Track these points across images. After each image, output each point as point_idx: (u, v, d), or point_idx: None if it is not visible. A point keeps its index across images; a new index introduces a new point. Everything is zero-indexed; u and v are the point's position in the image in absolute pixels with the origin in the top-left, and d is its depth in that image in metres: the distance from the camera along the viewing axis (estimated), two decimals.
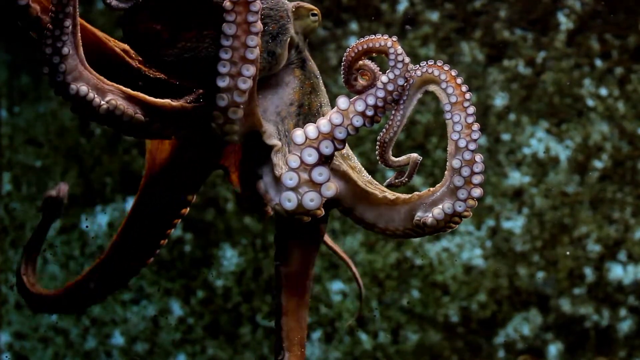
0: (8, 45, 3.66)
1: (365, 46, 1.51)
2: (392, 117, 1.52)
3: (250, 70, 1.46)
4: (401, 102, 1.51)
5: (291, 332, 1.64)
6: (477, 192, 1.51)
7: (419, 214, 1.54)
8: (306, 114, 1.60)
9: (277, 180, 1.51)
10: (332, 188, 1.48)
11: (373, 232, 1.60)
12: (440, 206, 1.51)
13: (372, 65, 1.52)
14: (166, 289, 3.56)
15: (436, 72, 1.50)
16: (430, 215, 1.52)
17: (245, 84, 1.46)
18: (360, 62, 1.52)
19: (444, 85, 1.51)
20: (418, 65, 1.52)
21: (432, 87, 1.52)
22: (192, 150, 1.66)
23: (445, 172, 1.54)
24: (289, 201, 1.49)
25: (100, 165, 3.61)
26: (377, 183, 1.64)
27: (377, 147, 1.54)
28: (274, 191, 1.52)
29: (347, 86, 1.53)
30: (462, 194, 1.51)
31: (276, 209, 1.51)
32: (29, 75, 3.65)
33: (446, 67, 1.51)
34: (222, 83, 1.46)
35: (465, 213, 1.50)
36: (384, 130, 1.54)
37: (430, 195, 1.55)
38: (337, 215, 3.46)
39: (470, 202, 1.50)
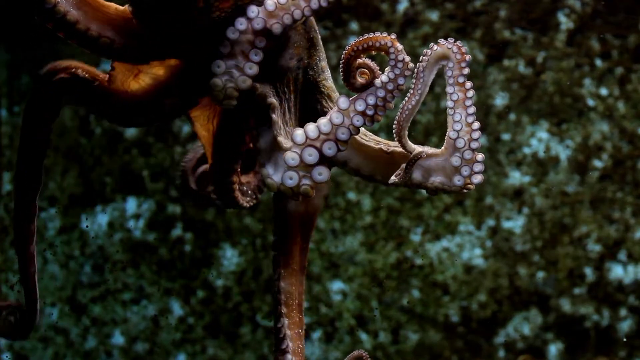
0: (8, 45, 3.66)
1: (365, 45, 1.51)
2: (409, 94, 1.52)
3: (262, 42, 1.46)
4: (420, 78, 1.51)
5: (289, 298, 1.64)
6: (471, 187, 1.54)
7: (415, 175, 1.56)
8: (305, 67, 1.60)
9: (276, 144, 1.51)
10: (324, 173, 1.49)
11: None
12: (435, 179, 1.54)
13: (371, 63, 1.52)
14: (166, 288, 3.56)
15: (449, 51, 1.50)
16: (426, 183, 1.56)
17: (257, 56, 1.46)
18: (360, 61, 1.52)
19: (449, 74, 1.51)
20: (432, 44, 1.52)
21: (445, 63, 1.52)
22: (174, 93, 1.63)
23: (443, 147, 1.56)
24: (290, 179, 1.49)
25: (100, 165, 3.61)
26: (371, 134, 1.64)
27: (395, 124, 1.54)
28: (272, 166, 1.52)
29: (346, 84, 1.53)
30: (461, 187, 1.54)
31: (268, 183, 1.51)
32: (29, 75, 3.65)
33: (460, 45, 1.51)
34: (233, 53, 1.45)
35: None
36: (401, 105, 1.53)
37: (427, 159, 1.56)
38: (337, 215, 3.46)
39: (467, 188, 1.55)
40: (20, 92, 3.66)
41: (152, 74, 1.61)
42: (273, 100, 1.53)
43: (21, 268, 1.79)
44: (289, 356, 1.63)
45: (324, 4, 1.48)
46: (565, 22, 3.41)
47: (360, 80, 1.52)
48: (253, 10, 1.45)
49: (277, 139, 1.51)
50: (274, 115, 1.52)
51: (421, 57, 1.51)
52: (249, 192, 1.87)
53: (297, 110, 1.59)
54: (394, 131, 1.54)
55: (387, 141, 1.62)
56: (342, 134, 1.48)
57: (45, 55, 3.63)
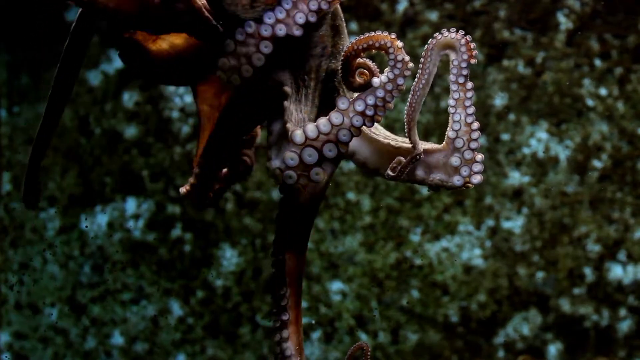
0: (8, 45, 3.67)
1: (365, 44, 1.51)
2: (417, 76, 1.51)
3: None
4: (428, 57, 1.50)
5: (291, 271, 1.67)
6: (470, 185, 1.54)
7: (418, 172, 1.58)
8: (329, 55, 1.59)
9: (284, 131, 1.52)
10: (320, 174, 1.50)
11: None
12: (436, 176, 1.54)
13: (371, 64, 1.52)
14: (166, 288, 3.56)
15: (457, 42, 1.50)
16: (427, 179, 1.58)
17: (267, 44, 1.47)
18: (360, 61, 1.52)
19: (454, 71, 1.51)
20: (438, 33, 1.52)
21: (449, 52, 1.52)
22: (187, 63, 1.63)
23: (444, 143, 1.56)
24: (290, 178, 1.51)
25: (100, 165, 3.61)
26: (381, 127, 1.65)
27: (407, 106, 1.53)
28: (275, 151, 1.52)
29: (344, 83, 1.53)
30: (460, 186, 1.55)
31: (267, 165, 1.52)
32: (29, 75, 3.65)
33: (465, 35, 1.51)
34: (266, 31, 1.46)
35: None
36: (412, 88, 1.53)
37: (428, 155, 1.56)
38: (337, 215, 3.46)
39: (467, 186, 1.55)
40: (20, 92, 3.66)
41: (170, 42, 1.63)
42: (287, 88, 1.53)
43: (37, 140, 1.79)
44: (286, 332, 1.66)
45: (324, 6, 1.49)
46: (564, 22, 3.41)
47: (359, 80, 1.52)
48: (270, 17, 1.47)
49: (286, 125, 1.51)
50: (286, 102, 1.53)
51: (430, 40, 1.52)
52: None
53: (316, 98, 1.59)
54: (405, 112, 1.53)
55: (395, 136, 1.63)
56: (344, 136, 1.48)
57: (45, 55, 3.63)
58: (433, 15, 3.44)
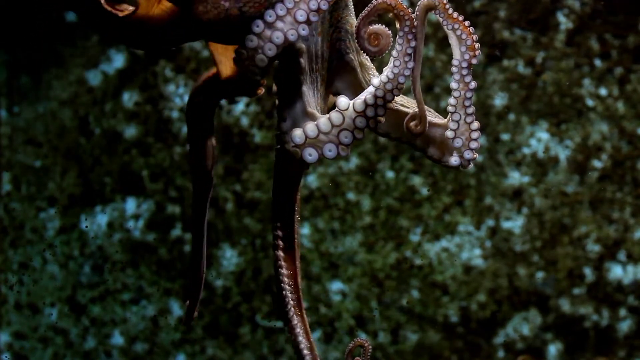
0: (8, 45, 3.66)
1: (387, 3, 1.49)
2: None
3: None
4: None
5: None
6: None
7: (417, 141, 1.57)
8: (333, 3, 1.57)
9: (300, 95, 1.51)
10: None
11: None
12: (434, 153, 1.55)
13: (385, 30, 1.50)
14: (166, 288, 3.56)
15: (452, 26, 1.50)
16: (426, 150, 1.57)
17: (279, 40, 1.47)
18: (374, 27, 1.50)
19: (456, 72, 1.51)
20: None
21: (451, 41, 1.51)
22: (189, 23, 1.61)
23: (446, 119, 1.55)
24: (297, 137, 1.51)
25: (100, 165, 3.61)
26: (407, 98, 1.64)
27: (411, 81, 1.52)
28: (290, 119, 1.51)
29: (358, 40, 1.50)
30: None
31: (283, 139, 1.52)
32: (29, 75, 3.65)
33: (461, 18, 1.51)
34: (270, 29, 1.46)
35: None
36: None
37: (431, 128, 1.55)
38: (337, 215, 3.46)
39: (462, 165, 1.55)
40: (20, 92, 3.66)
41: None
42: (302, 45, 1.52)
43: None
44: (282, 263, 1.66)
45: (323, 6, 1.48)
46: (564, 22, 3.41)
47: (373, 44, 1.49)
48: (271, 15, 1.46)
49: (301, 88, 1.50)
50: (302, 60, 1.51)
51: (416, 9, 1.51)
52: None
53: (324, 52, 1.57)
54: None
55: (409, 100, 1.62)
56: (345, 138, 1.48)
57: (45, 55, 3.63)
58: (433, 15, 3.44)
